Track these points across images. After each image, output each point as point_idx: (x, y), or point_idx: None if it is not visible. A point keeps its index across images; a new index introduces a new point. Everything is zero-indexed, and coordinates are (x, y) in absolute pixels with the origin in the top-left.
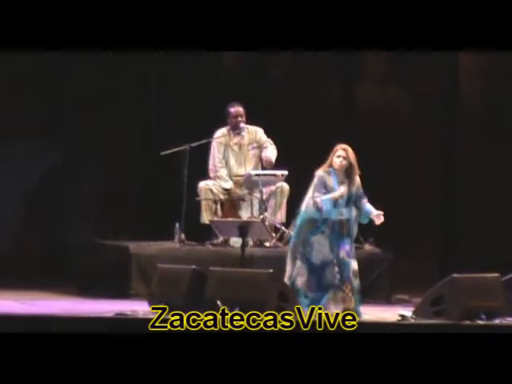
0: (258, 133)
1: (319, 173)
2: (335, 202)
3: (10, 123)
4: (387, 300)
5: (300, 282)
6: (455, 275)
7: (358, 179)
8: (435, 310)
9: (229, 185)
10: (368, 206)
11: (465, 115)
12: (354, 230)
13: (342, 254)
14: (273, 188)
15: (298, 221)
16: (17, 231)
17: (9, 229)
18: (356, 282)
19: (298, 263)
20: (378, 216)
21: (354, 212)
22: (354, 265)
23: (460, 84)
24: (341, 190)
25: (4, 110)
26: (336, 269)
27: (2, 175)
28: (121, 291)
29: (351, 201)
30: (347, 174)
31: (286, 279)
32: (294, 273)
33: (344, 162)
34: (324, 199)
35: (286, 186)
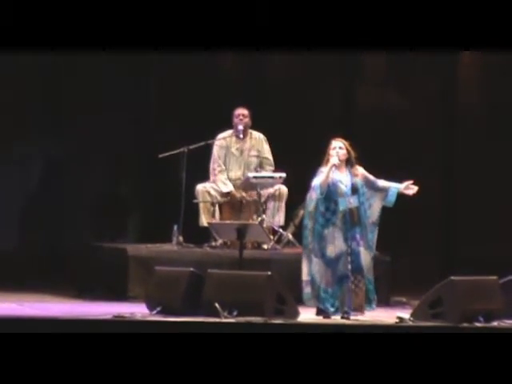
0: (262, 142)
1: (321, 168)
2: (341, 191)
3: (9, 124)
4: (385, 302)
5: (319, 277)
6: (453, 278)
7: (360, 168)
8: (433, 312)
9: (227, 188)
10: (390, 183)
11: (464, 116)
12: (374, 217)
13: (354, 243)
14: (271, 190)
15: (305, 219)
16: (16, 234)
17: (8, 231)
18: (368, 272)
19: (315, 259)
20: (407, 188)
21: (376, 198)
22: (365, 254)
23: (459, 84)
24: (327, 168)
25: (4, 111)
26: (349, 259)
27: (1, 176)
28: (119, 293)
29: (357, 190)
30: (347, 163)
31: (303, 276)
32: (313, 269)
33: (341, 152)
34: (315, 185)
35: (284, 189)
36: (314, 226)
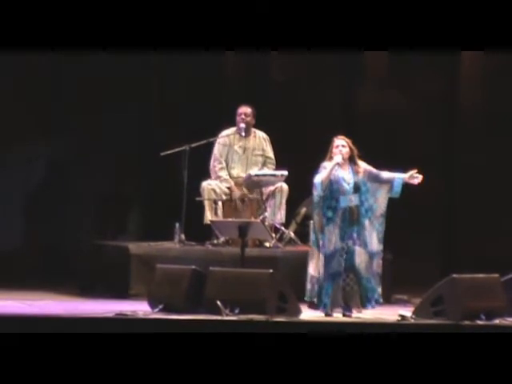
0: (265, 142)
1: (323, 164)
2: (343, 189)
3: (10, 124)
4: (387, 300)
5: (322, 273)
6: (455, 275)
7: (362, 163)
8: (435, 310)
9: (227, 184)
10: (394, 174)
11: (465, 116)
12: (381, 210)
13: (350, 242)
14: (272, 188)
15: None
16: (17, 232)
17: (9, 229)
18: (367, 271)
19: (321, 255)
20: (411, 178)
21: (382, 190)
22: (361, 253)
23: (461, 84)
24: (329, 166)
25: (4, 111)
26: (343, 257)
27: (2, 176)
28: (121, 291)
29: (359, 188)
30: (349, 161)
31: (313, 272)
32: (320, 265)
33: (344, 150)
34: (317, 182)
35: (285, 187)
36: (315, 222)
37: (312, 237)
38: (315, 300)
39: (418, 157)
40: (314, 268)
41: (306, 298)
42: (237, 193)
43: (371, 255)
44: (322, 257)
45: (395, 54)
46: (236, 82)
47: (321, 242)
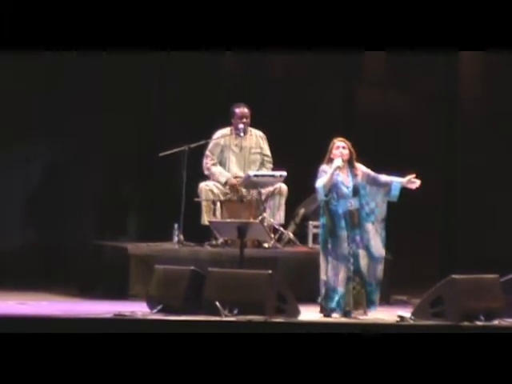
0: (262, 140)
1: (322, 167)
2: (342, 193)
3: (10, 124)
4: (386, 301)
5: (332, 277)
6: (454, 276)
7: (360, 166)
8: (434, 311)
9: (225, 177)
10: (392, 177)
11: (465, 115)
12: (383, 214)
13: (354, 246)
14: (271, 189)
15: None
16: (17, 232)
17: (9, 230)
18: (369, 274)
19: (330, 259)
20: (409, 182)
21: (380, 194)
22: (364, 257)
23: (460, 84)
24: (330, 171)
25: (4, 111)
26: (351, 261)
27: (2, 176)
28: (120, 292)
29: (358, 191)
30: (348, 164)
31: (322, 275)
32: (328, 269)
33: (345, 152)
34: (319, 187)
35: (284, 187)
36: (331, 226)
37: (320, 240)
38: (323, 303)
39: (418, 157)
40: (324, 272)
41: (319, 301)
42: (234, 183)
43: (374, 259)
44: (330, 260)
45: (395, 54)
46: (235, 81)
47: (329, 246)
